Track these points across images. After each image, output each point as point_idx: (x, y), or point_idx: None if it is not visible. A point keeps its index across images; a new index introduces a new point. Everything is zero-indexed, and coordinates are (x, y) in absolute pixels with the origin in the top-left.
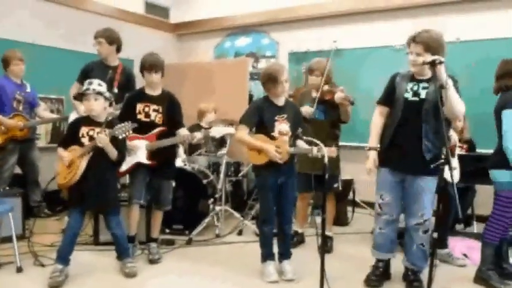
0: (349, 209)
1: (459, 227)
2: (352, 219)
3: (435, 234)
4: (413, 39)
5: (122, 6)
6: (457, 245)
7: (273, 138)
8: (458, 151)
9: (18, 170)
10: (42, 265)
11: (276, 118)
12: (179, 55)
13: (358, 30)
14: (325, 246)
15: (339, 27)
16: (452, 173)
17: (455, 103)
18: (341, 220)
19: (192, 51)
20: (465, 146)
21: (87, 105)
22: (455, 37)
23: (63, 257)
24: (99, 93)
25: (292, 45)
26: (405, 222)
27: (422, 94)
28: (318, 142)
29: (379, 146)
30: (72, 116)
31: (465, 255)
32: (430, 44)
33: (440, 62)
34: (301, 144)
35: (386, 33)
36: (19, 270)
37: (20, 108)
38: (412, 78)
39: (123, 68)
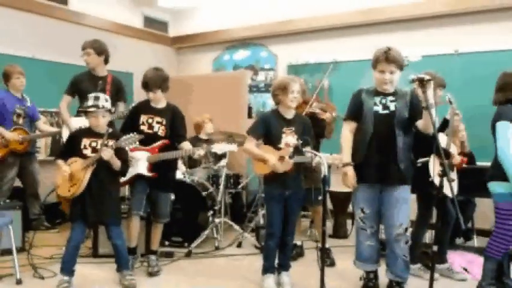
0: (349, 221)
1: (459, 241)
2: (351, 232)
3: (435, 248)
4: (386, 59)
5: (121, 20)
6: (457, 259)
7: (279, 149)
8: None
9: (18, 183)
10: (42, 277)
11: (283, 130)
12: (178, 68)
13: (355, 42)
14: (328, 258)
15: (336, 40)
16: (452, 186)
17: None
18: (340, 232)
19: (190, 65)
20: (465, 158)
21: (94, 122)
22: (453, 49)
23: (68, 269)
24: (108, 111)
25: (290, 57)
26: (385, 234)
27: (392, 107)
28: (318, 153)
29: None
30: (65, 131)
31: (465, 269)
32: (400, 61)
33: (429, 80)
34: (301, 156)
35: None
36: (19, 282)
37: (20, 121)
38: (377, 92)
39: (113, 78)
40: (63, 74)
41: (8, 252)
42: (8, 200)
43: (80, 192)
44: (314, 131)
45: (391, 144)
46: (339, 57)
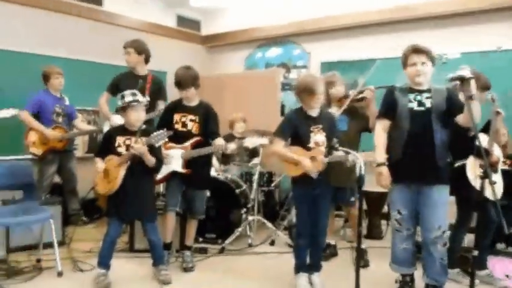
0: (383, 222)
1: (500, 246)
2: (386, 233)
3: (475, 253)
4: (414, 50)
5: (154, 20)
6: (498, 266)
7: (309, 149)
8: (501, 166)
9: (57, 180)
10: (81, 270)
11: (311, 129)
12: (210, 67)
13: (390, 40)
14: (361, 259)
15: (370, 37)
16: (494, 189)
17: (478, 113)
18: (374, 233)
19: (222, 63)
20: (509, 161)
21: (136, 116)
22: (496, 46)
23: (105, 262)
24: (145, 106)
25: (324, 55)
26: (422, 236)
27: (428, 103)
28: (353, 152)
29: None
30: (106, 127)
31: (507, 276)
32: (430, 52)
33: (470, 78)
34: (336, 154)
35: (421, 43)
36: (60, 274)
37: (60, 120)
38: (411, 89)
39: (153, 77)
40: (99, 74)
41: (50, 245)
42: (48, 196)
43: (116, 189)
44: (356, 124)
45: (429, 142)
46: (372, 54)
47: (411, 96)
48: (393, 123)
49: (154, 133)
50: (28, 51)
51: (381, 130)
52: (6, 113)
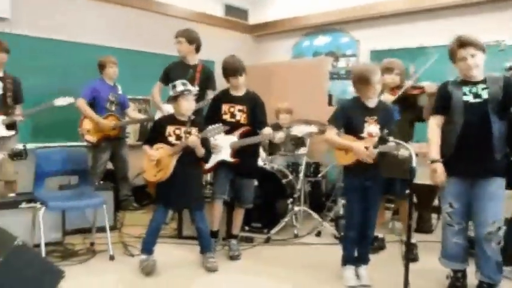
0: (434, 216)
1: None
2: (436, 227)
3: None
4: (460, 44)
5: (202, 9)
6: None
7: (361, 139)
8: None
9: (109, 166)
10: (132, 255)
11: (365, 119)
12: (257, 56)
13: (443, 26)
14: (411, 254)
15: (423, 24)
16: None
17: None
18: (424, 227)
19: (270, 52)
20: None
21: (186, 106)
22: None
23: (148, 248)
24: (195, 95)
25: (373, 43)
26: (475, 232)
27: (484, 94)
28: (405, 144)
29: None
30: (158, 116)
31: None
32: (477, 42)
33: None
34: (386, 145)
35: (476, 29)
36: (111, 258)
37: (113, 108)
38: (465, 82)
39: (203, 67)
40: (149, 63)
41: (102, 229)
42: (101, 182)
43: (166, 178)
44: (409, 115)
45: (486, 134)
46: (425, 41)
47: (466, 89)
48: (447, 118)
49: (210, 127)
50: (83, 41)
51: (435, 126)
52: (64, 101)
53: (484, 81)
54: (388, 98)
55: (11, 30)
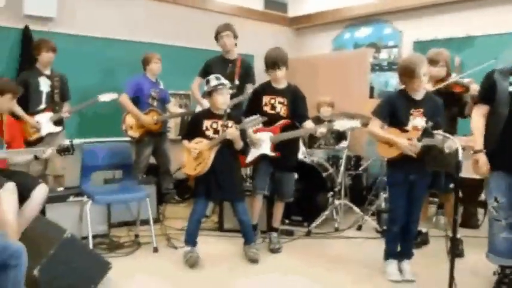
0: (480, 211)
1: None
2: (483, 222)
3: None
4: None
5: (242, 3)
6: None
7: (406, 132)
8: None
9: (152, 160)
10: (175, 247)
11: (411, 112)
12: (297, 49)
13: (492, 14)
14: (456, 249)
15: (469, 12)
16: None
17: None
18: (470, 222)
19: (310, 45)
20: None
21: (222, 99)
22: None
23: (192, 240)
24: (234, 89)
25: (417, 33)
26: None
27: None
28: (451, 137)
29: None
30: (198, 110)
31: None
32: None
33: None
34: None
35: None
36: (155, 250)
37: (155, 104)
38: None
39: (242, 60)
40: (190, 58)
41: (146, 222)
42: (144, 176)
43: (206, 171)
44: (451, 109)
45: None
46: (472, 31)
47: None
48: (491, 109)
49: (248, 118)
50: (126, 38)
51: (478, 116)
52: (107, 96)
53: None
54: (427, 87)
55: (57, 30)
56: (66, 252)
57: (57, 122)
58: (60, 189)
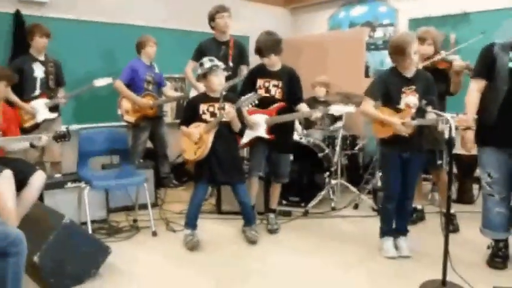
0: (475, 186)
1: None
2: (478, 198)
3: None
4: None
5: None
6: None
7: (399, 111)
8: None
9: (149, 145)
10: (174, 231)
11: (403, 90)
12: (293, 29)
13: None
14: (450, 224)
15: None
16: None
17: None
18: (466, 198)
19: (305, 25)
20: None
21: (217, 81)
22: None
23: (192, 223)
24: (228, 71)
25: (412, 11)
26: None
27: None
28: (444, 114)
29: (474, 125)
30: (193, 94)
31: None
32: None
33: None
34: (427, 116)
35: None
36: (154, 234)
37: (150, 88)
38: None
39: (235, 41)
40: (185, 41)
41: (144, 207)
42: (141, 160)
43: (206, 154)
44: (439, 87)
45: None
46: (468, 7)
47: None
48: (489, 84)
49: (244, 96)
50: (121, 22)
51: (474, 90)
52: (103, 81)
53: None
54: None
55: (51, 14)
56: (66, 238)
57: (53, 108)
58: (58, 175)
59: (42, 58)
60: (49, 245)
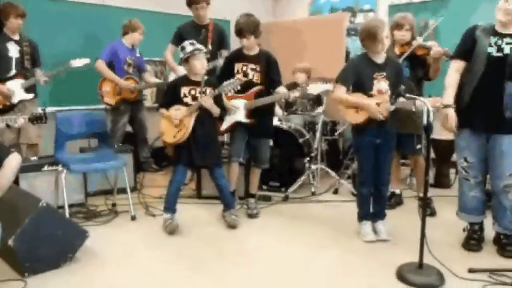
0: (452, 171)
1: None
2: (454, 182)
3: None
4: None
5: None
6: None
7: (371, 97)
8: None
9: (128, 129)
10: (153, 215)
11: (374, 76)
12: (274, 14)
13: None
14: (428, 208)
15: None
16: None
17: None
18: (443, 182)
19: (286, 9)
20: None
21: (200, 65)
22: None
23: (171, 207)
24: (207, 55)
25: None
26: (491, 185)
27: (506, 49)
28: (421, 98)
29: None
30: (172, 78)
31: None
32: None
33: None
34: (402, 101)
35: None
36: (133, 218)
37: (131, 71)
38: (495, 32)
39: (214, 25)
40: (165, 24)
41: (123, 191)
42: (120, 144)
43: (185, 138)
44: (416, 72)
45: (498, 91)
46: None
47: (493, 40)
48: (468, 66)
49: (226, 82)
50: (99, 2)
51: (453, 71)
52: (80, 62)
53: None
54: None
55: None
56: (42, 221)
57: (29, 89)
58: (34, 158)
59: (16, 38)
60: (24, 228)
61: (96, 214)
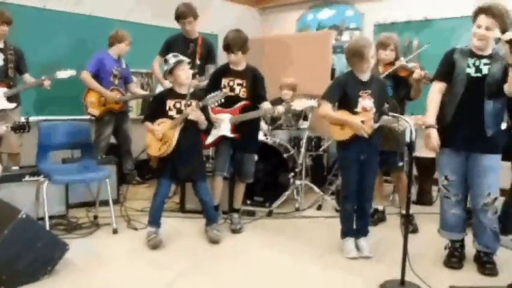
0: (434, 188)
1: None
2: (436, 199)
3: None
4: (485, 12)
5: None
6: None
7: (356, 114)
8: None
9: (112, 140)
10: (136, 229)
11: (359, 94)
12: (262, 29)
13: None
14: (410, 225)
15: None
16: None
17: None
18: (425, 199)
19: (274, 25)
20: None
21: (184, 75)
22: None
23: (155, 221)
24: (195, 69)
25: (378, 16)
26: (472, 203)
27: (485, 70)
28: (403, 117)
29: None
30: (159, 90)
31: None
32: (504, 19)
33: None
34: (386, 119)
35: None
36: (115, 231)
37: (116, 82)
38: (472, 53)
39: (203, 39)
40: (152, 36)
41: (105, 203)
42: (104, 156)
43: (170, 151)
44: (399, 92)
45: (479, 110)
46: (430, 14)
47: (471, 61)
48: (448, 87)
49: (210, 94)
50: (86, 13)
51: (435, 92)
52: (64, 73)
53: (489, 57)
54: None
55: (11, 0)
56: (21, 233)
57: (12, 98)
58: (15, 168)
59: (1, 45)
60: (3, 240)
61: (77, 226)
